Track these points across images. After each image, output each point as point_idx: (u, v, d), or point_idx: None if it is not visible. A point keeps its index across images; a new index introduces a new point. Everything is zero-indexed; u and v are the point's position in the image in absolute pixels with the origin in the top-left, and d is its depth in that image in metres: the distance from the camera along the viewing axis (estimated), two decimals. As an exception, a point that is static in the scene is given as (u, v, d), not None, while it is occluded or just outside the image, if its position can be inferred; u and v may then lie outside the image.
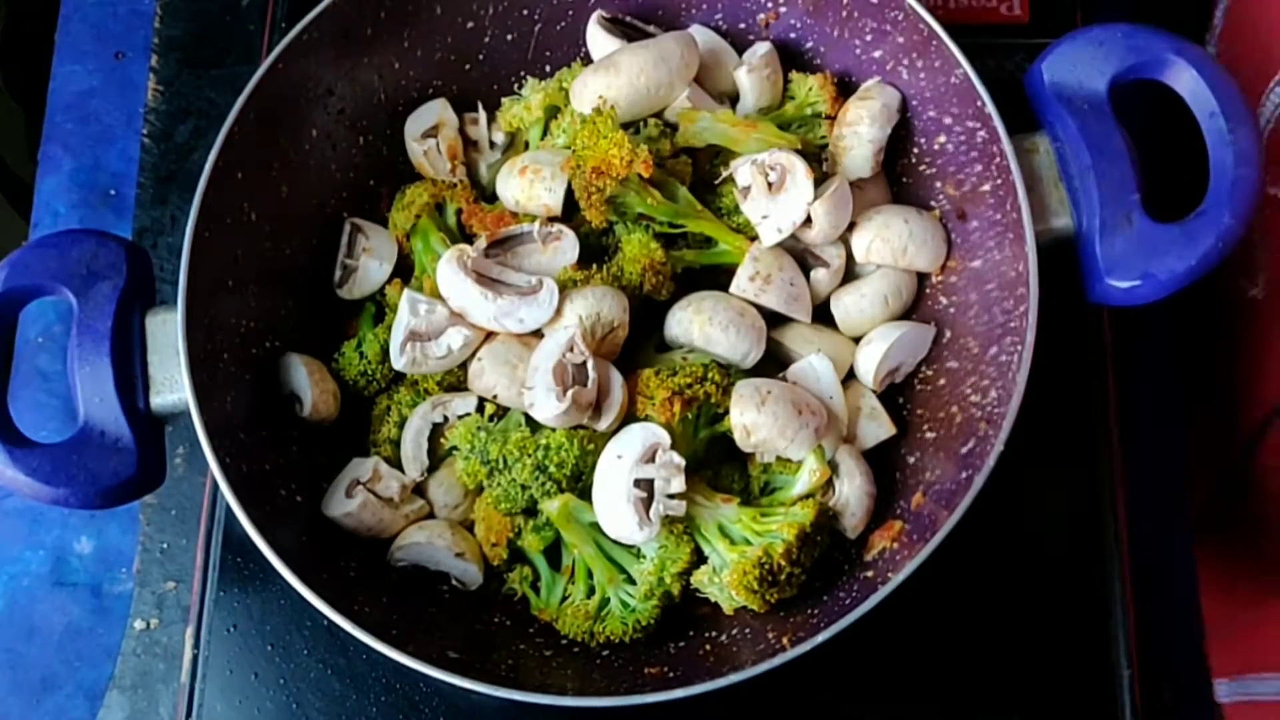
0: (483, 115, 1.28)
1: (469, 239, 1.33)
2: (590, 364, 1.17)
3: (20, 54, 1.92)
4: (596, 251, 1.29)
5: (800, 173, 1.22)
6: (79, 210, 1.61)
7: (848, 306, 1.29)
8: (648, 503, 1.16)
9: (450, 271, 1.22)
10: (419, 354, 1.23)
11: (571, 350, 1.17)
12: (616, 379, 1.20)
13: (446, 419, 1.26)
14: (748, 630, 1.20)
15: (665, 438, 1.17)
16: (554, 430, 1.19)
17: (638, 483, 1.16)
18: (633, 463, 1.16)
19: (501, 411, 1.25)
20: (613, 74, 1.27)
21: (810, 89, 1.35)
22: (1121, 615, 1.31)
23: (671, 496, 1.17)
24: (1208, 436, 1.53)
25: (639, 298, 1.25)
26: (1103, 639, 1.31)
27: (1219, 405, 1.52)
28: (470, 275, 1.21)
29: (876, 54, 1.34)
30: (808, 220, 1.24)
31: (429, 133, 1.38)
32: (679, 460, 1.16)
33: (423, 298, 1.24)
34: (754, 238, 1.26)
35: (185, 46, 1.66)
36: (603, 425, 1.19)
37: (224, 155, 1.22)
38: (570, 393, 1.15)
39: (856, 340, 1.30)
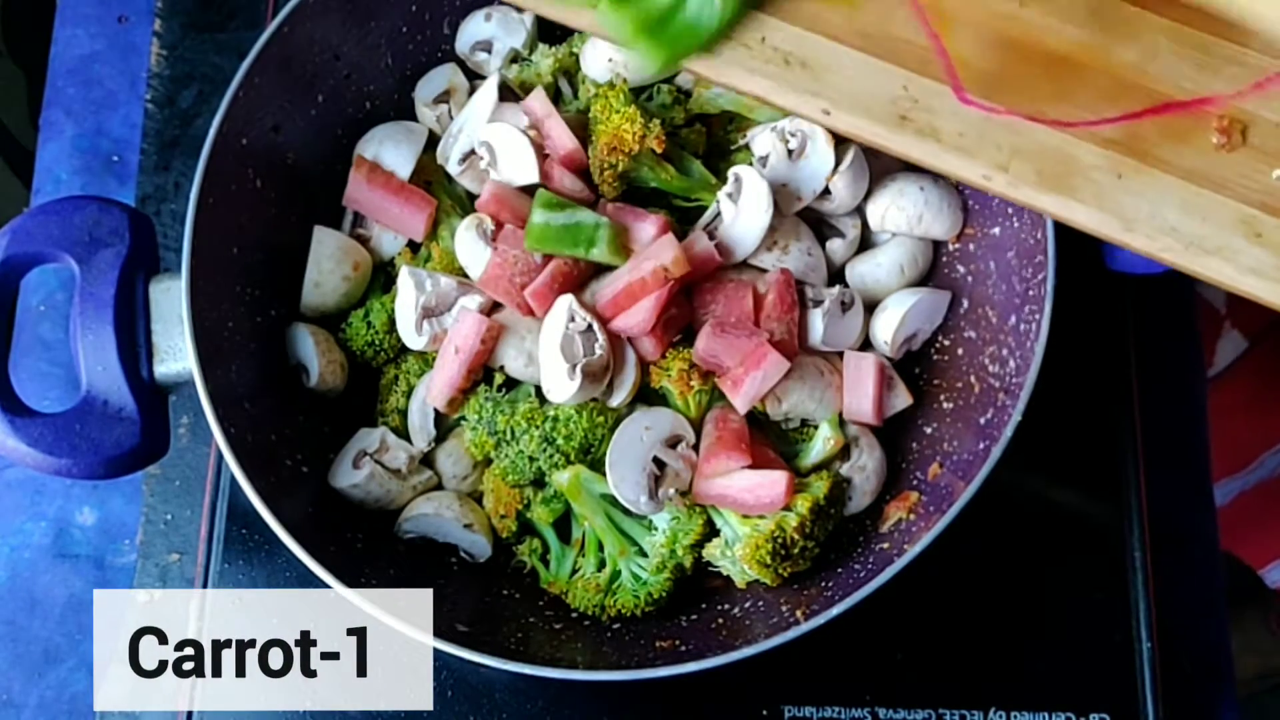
0: (494, 80, 1.27)
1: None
2: (595, 326, 1.16)
3: (22, 17, 1.90)
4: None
5: (821, 140, 1.22)
6: (81, 176, 1.59)
7: (863, 275, 1.28)
8: (657, 481, 1.17)
9: (470, 239, 1.22)
10: (437, 328, 1.22)
11: (573, 320, 1.16)
12: (629, 354, 1.19)
13: (455, 389, 1.25)
14: (761, 603, 1.19)
15: (691, 436, 1.19)
16: (563, 402, 1.18)
17: (655, 460, 1.17)
18: (657, 440, 1.17)
19: (511, 381, 1.23)
20: (624, 37, 1.25)
21: (826, 54, 1.33)
22: (1142, 588, 1.30)
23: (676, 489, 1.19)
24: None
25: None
26: (1123, 611, 1.30)
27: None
28: (490, 243, 1.20)
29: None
30: (825, 189, 1.23)
31: (440, 98, 1.36)
32: (695, 458, 1.18)
33: (424, 271, 1.23)
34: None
35: (189, 10, 1.64)
36: (615, 401, 1.19)
37: (228, 121, 1.21)
38: (580, 368, 1.14)
39: (872, 308, 1.28)
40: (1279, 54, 0.95)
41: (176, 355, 1.17)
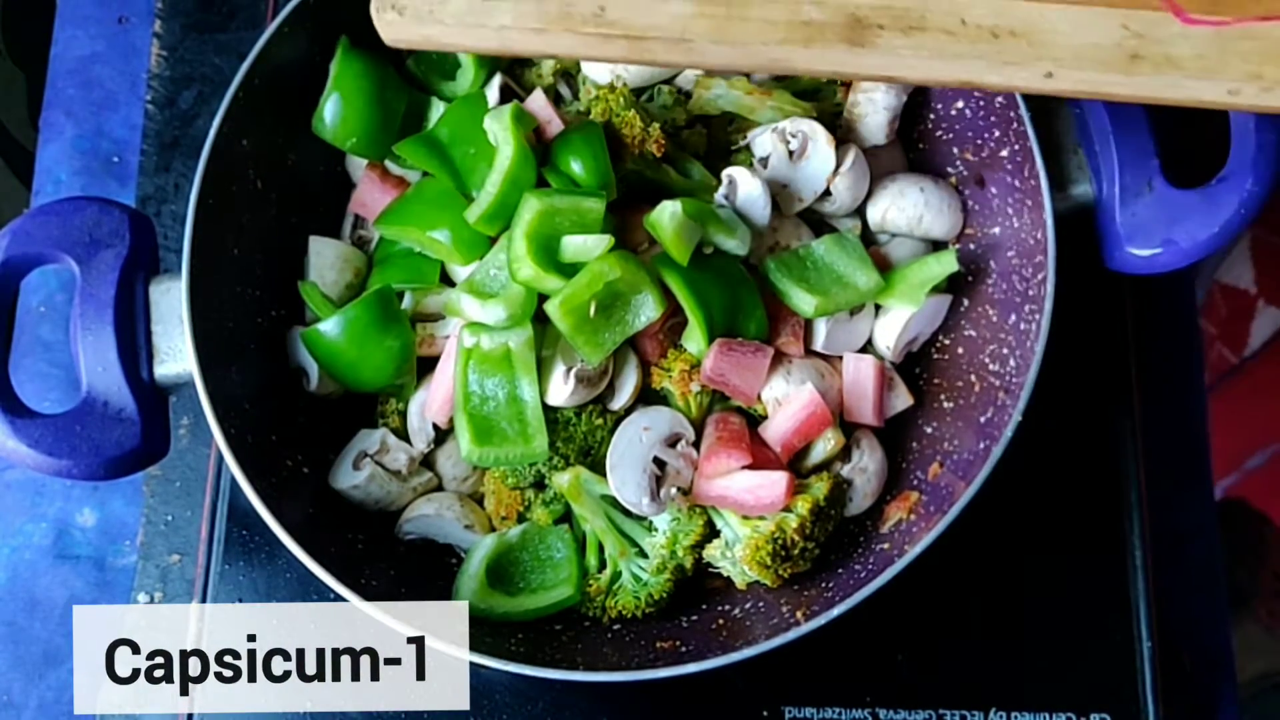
0: (495, 81, 1.27)
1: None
2: None
3: (22, 18, 1.89)
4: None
5: (822, 141, 1.22)
6: (81, 177, 1.59)
7: (863, 276, 1.28)
8: (659, 481, 1.17)
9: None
10: (422, 333, 1.23)
11: None
12: (631, 359, 1.19)
13: (455, 390, 1.25)
14: (761, 604, 1.19)
15: (691, 433, 1.19)
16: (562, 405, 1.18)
17: (655, 460, 1.17)
18: (657, 439, 1.17)
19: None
20: (623, 39, 1.25)
21: (825, 55, 1.33)
22: (1142, 588, 1.31)
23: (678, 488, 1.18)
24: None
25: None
26: (1124, 611, 1.30)
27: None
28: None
29: (892, 19, 1.32)
30: (826, 190, 1.24)
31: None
32: (696, 456, 1.18)
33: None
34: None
35: (189, 11, 1.64)
36: (617, 404, 1.20)
37: (228, 122, 1.21)
38: (574, 372, 1.14)
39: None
40: None
41: (176, 356, 1.17)
